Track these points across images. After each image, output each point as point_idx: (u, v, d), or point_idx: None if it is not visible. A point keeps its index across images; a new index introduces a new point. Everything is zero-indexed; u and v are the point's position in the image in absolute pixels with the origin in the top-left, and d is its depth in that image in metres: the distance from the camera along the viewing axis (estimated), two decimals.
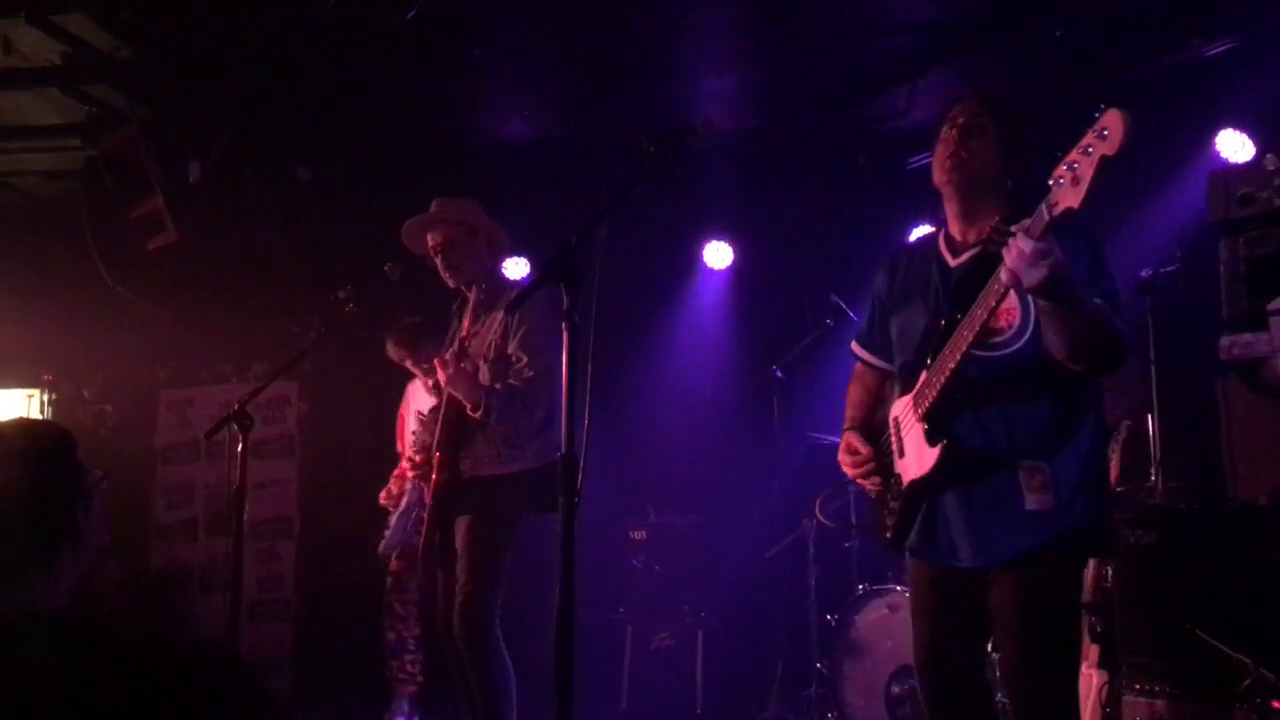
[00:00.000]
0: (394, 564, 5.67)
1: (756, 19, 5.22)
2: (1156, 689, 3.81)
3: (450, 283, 4.49)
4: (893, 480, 2.96)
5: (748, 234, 6.99)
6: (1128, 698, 3.87)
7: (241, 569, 3.94)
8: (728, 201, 6.76)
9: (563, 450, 2.58)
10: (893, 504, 2.94)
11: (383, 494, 5.45)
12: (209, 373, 7.39)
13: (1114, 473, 4.17)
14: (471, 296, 4.50)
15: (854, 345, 3.29)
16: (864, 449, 3.04)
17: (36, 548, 1.95)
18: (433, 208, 4.48)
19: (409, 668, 5.70)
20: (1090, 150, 2.29)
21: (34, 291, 7.04)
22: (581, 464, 2.57)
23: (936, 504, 2.84)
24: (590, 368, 2.62)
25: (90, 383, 7.51)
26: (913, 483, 2.86)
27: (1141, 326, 4.67)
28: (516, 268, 7.06)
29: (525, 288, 2.74)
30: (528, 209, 6.73)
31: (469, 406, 4.13)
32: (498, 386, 4.18)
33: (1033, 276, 2.42)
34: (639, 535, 6.39)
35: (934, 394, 2.77)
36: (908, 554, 2.99)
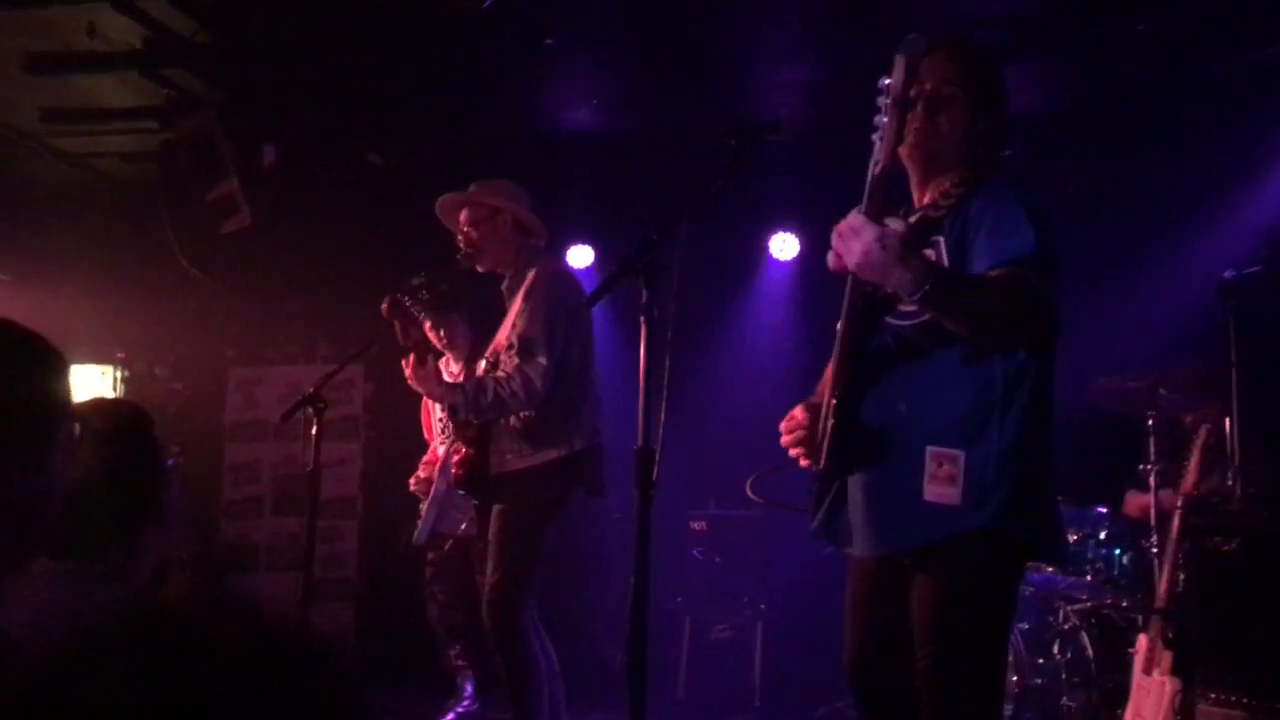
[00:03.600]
0: (430, 554, 5.54)
1: (833, 8, 5.16)
2: (1233, 699, 3.74)
3: (479, 268, 4.25)
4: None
5: (814, 225, 6.92)
6: (1202, 706, 3.80)
7: (313, 549, 3.98)
8: (794, 192, 6.70)
9: (639, 444, 2.59)
10: (816, 485, 2.71)
11: (412, 480, 5.37)
12: (277, 353, 7.49)
13: (1191, 477, 4.08)
14: (504, 285, 4.29)
15: None
16: (800, 416, 2.69)
17: (119, 526, 1.99)
18: (470, 189, 4.28)
19: (462, 657, 5.58)
20: (882, 103, 2.32)
21: (110, 271, 7.19)
22: (658, 457, 2.57)
23: (844, 488, 2.60)
24: (667, 362, 2.61)
25: (162, 361, 7.65)
26: (825, 464, 2.60)
27: (1223, 328, 4.57)
28: (581, 256, 7.07)
29: (603, 281, 2.73)
30: (594, 199, 6.73)
31: (439, 407, 4.13)
32: (467, 382, 4.09)
33: (850, 256, 2.32)
34: (700, 526, 6.37)
35: (835, 368, 2.54)
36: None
